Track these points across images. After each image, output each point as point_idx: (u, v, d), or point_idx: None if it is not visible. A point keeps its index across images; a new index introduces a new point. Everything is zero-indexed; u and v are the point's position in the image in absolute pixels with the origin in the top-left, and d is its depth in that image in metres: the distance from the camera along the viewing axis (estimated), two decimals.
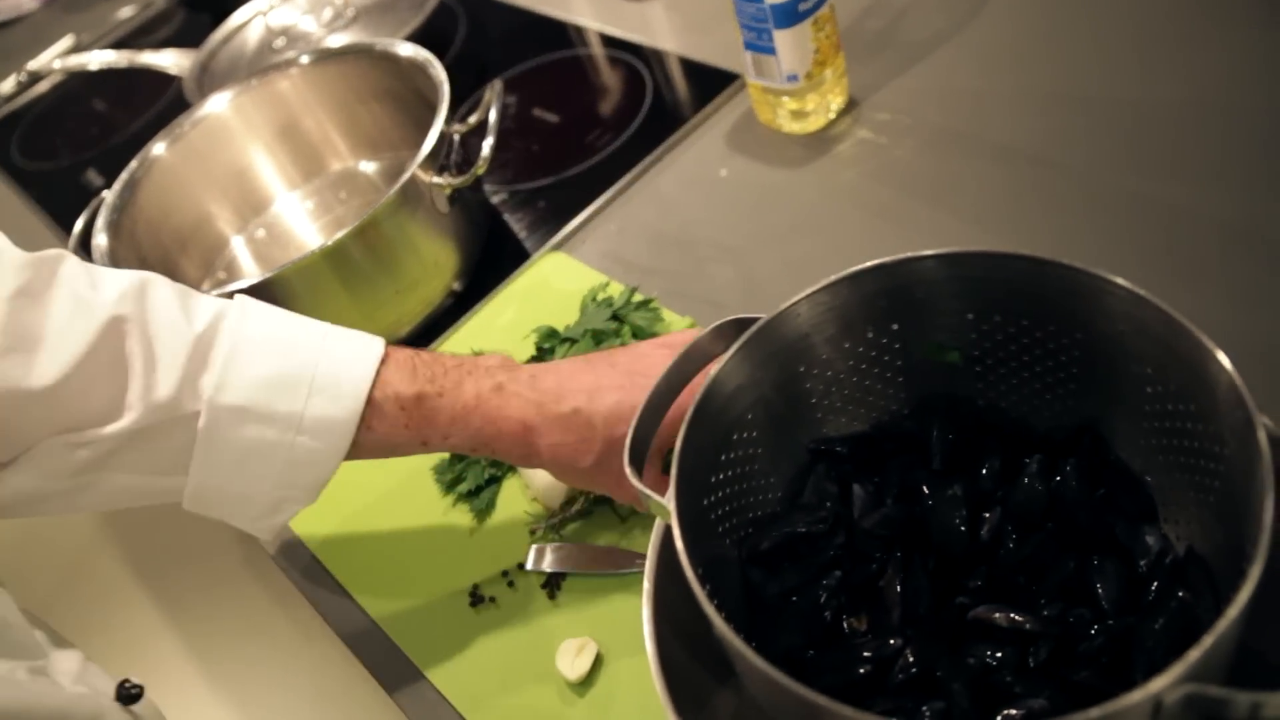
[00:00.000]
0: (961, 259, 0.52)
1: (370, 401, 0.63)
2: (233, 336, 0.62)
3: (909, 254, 0.53)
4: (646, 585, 0.55)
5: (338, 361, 0.63)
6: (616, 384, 0.66)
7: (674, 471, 0.49)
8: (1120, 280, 0.48)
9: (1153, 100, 0.88)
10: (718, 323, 0.55)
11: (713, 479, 0.55)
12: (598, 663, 0.68)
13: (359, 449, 0.64)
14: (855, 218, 0.91)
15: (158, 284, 0.63)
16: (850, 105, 1.01)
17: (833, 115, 1.00)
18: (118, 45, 1.68)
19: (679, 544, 0.47)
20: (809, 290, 0.54)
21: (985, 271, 0.54)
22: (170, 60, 1.36)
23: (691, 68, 1.13)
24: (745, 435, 0.57)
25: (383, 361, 0.64)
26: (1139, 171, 0.83)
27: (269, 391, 0.61)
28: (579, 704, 0.67)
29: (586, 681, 0.68)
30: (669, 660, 0.54)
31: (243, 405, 0.60)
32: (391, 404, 0.63)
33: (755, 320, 0.54)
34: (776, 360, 0.56)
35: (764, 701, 0.48)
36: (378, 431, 0.63)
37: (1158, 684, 0.38)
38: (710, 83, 1.09)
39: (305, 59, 1.05)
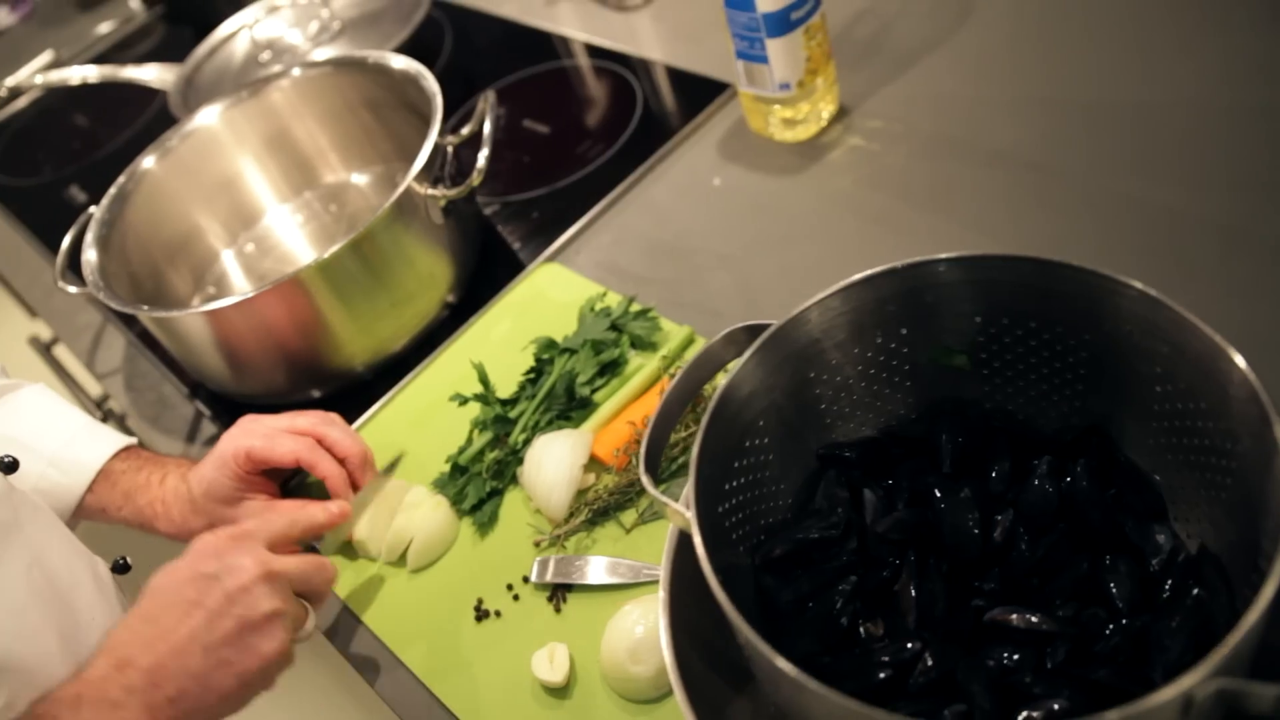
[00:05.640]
0: (972, 262, 0.53)
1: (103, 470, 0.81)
2: (24, 397, 0.85)
3: (920, 258, 0.53)
4: (662, 594, 0.55)
5: (95, 431, 0.83)
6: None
7: (692, 479, 0.49)
8: (1134, 282, 0.49)
9: (1146, 102, 0.89)
10: (729, 329, 0.55)
11: (726, 486, 0.55)
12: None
13: (82, 506, 0.81)
14: (851, 224, 0.92)
15: None
16: (841, 113, 1.01)
17: (824, 123, 1.00)
18: (98, 60, 1.67)
19: (700, 552, 0.47)
20: (820, 295, 0.55)
21: (994, 274, 0.54)
22: (153, 74, 1.34)
23: (681, 78, 1.13)
24: (757, 442, 0.57)
25: (125, 447, 0.83)
26: (1133, 173, 0.84)
27: (36, 433, 0.81)
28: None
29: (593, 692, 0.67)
30: (686, 669, 0.53)
31: (10, 435, 0.80)
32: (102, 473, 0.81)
33: (766, 327, 0.54)
34: (788, 366, 0.56)
35: (788, 708, 0.48)
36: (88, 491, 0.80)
37: (1189, 679, 0.38)
38: (700, 92, 1.09)
39: (297, 71, 1.04)
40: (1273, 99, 0.85)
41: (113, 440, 0.83)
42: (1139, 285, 0.48)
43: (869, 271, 0.54)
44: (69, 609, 0.67)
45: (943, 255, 0.52)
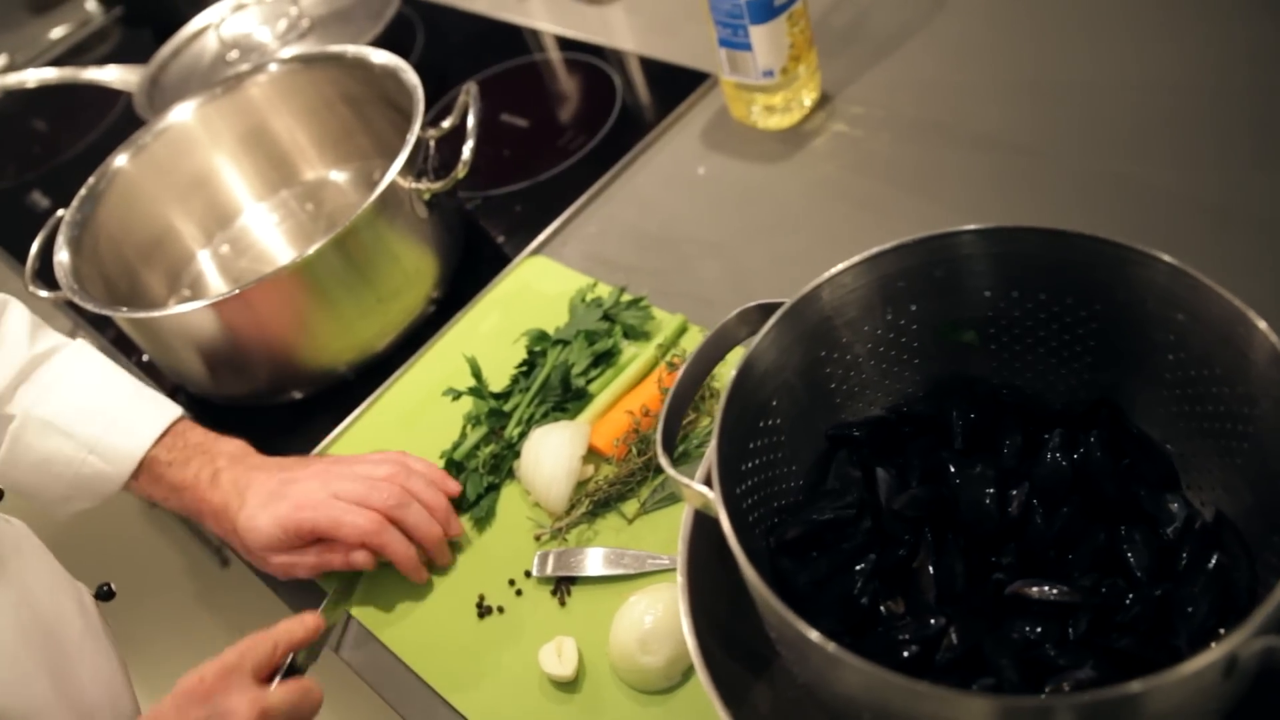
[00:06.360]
0: (991, 234, 0.53)
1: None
2: (62, 365, 0.79)
3: (935, 231, 0.53)
4: (680, 580, 0.54)
5: (139, 408, 0.78)
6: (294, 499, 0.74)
7: (715, 459, 0.48)
8: (1157, 252, 0.49)
9: (1133, 84, 0.90)
10: (741, 308, 0.54)
11: (743, 467, 0.54)
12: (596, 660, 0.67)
13: (128, 488, 0.78)
14: (838, 210, 0.91)
15: (15, 306, 0.79)
16: (823, 100, 1.01)
17: (807, 110, 1.00)
18: (55, 65, 1.62)
19: (728, 530, 0.46)
20: (832, 272, 0.54)
21: (1009, 247, 0.54)
22: (115, 75, 1.31)
23: (660, 68, 1.13)
24: (771, 422, 0.56)
25: (170, 426, 0.78)
26: (1121, 154, 0.85)
27: (76, 414, 0.76)
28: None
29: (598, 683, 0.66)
30: (706, 655, 0.52)
31: (50, 419, 0.75)
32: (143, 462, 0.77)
33: (779, 305, 0.54)
34: (800, 345, 0.56)
35: (818, 687, 0.48)
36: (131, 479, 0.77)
37: (1235, 639, 0.38)
38: (680, 83, 1.09)
39: (274, 66, 1.02)
40: (1258, 80, 0.86)
41: (156, 418, 0.78)
42: (1156, 253, 0.48)
43: (881, 247, 0.54)
44: (58, 646, 0.65)
45: (963, 227, 0.52)
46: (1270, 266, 0.74)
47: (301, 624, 0.69)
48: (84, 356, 0.80)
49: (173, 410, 0.80)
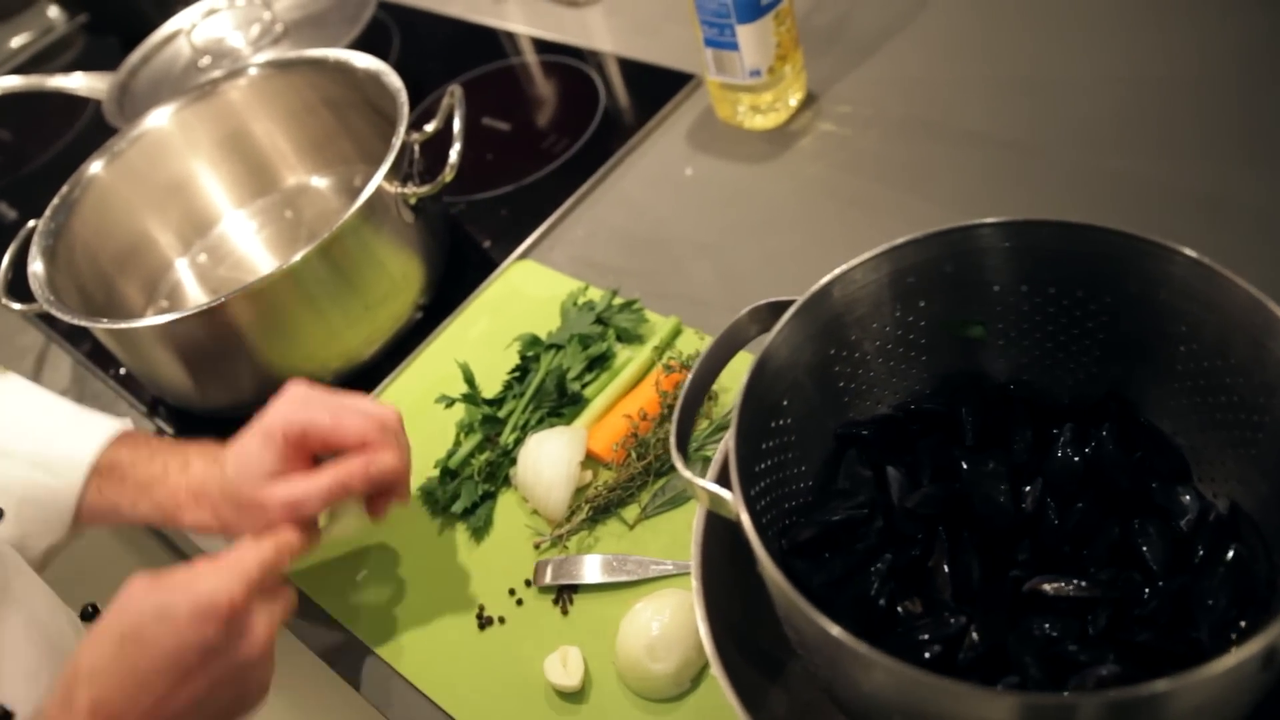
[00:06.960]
0: (1002, 228, 0.52)
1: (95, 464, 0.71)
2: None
3: (946, 226, 0.52)
4: (695, 584, 0.53)
5: (84, 420, 0.73)
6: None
7: (733, 460, 0.47)
8: (1177, 245, 0.49)
9: (1123, 77, 0.90)
10: (751, 305, 0.53)
11: (756, 468, 0.53)
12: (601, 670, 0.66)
13: (86, 508, 0.71)
14: (829, 208, 0.91)
15: None
16: (809, 100, 1.01)
17: (793, 110, 1.00)
18: (17, 73, 1.58)
19: (750, 532, 0.45)
20: (843, 268, 0.54)
21: (1018, 240, 0.53)
22: (82, 83, 1.28)
23: (643, 70, 1.12)
24: (782, 422, 0.55)
25: (121, 434, 0.73)
26: (1110, 148, 0.85)
27: (15, 433, 0.71)
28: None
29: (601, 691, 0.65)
30: (724, 658, 0.52)
31: None
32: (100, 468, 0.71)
33: (789, 303, 0.53)
34: (811, 343, 0.55)
35: (843, 690, 0.47)
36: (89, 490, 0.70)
37: (1274, 632, 0.37)
38: (664, 84, 1.08)
39: (253, 70, 1.00)
40: (1245, 71, 0.86)
41: (104, 428, 0.72)
42: (1179, 248, 0.48)
43: (894, 241, 0.53)
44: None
45: (980, 221, 0.52)
46: (1261, 255, 0.74)
47: (295, 533, 0.64)
48: (17, 384, 0.76)
49: (122, 420, 0.74)
